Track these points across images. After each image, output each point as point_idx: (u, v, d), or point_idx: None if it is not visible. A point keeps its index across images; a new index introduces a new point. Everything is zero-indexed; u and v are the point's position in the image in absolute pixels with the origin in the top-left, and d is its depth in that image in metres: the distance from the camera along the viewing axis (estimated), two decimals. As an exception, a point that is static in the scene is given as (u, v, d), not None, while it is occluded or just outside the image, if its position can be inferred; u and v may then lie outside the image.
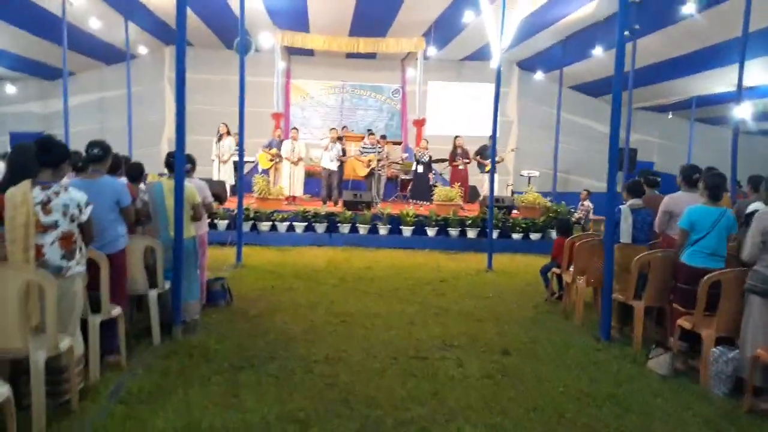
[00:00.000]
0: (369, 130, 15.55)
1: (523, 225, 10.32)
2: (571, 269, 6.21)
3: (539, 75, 16.61)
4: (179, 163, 4.69)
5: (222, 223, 9.90)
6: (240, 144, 8.14)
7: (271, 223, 10.05)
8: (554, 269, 6.65)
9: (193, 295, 5.02)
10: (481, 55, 16.62)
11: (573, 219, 10.53)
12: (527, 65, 17.19)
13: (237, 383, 3.84)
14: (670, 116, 18.16)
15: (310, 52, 16.76)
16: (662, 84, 15.80)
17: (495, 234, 10.30)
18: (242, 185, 8.15)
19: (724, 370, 3.64)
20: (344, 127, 15.93)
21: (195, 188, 5.01)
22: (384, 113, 17.49)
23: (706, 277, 3.86)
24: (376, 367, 4.21)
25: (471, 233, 10.34)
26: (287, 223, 10.10)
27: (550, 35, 14.60)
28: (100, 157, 4.11)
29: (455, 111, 17.54)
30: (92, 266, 3.78)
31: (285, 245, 9.87)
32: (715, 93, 14.51)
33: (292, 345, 4.69)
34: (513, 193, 13.92)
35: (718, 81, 13.45)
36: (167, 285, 4.77)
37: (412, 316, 5.68)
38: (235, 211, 9.82)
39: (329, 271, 7.88)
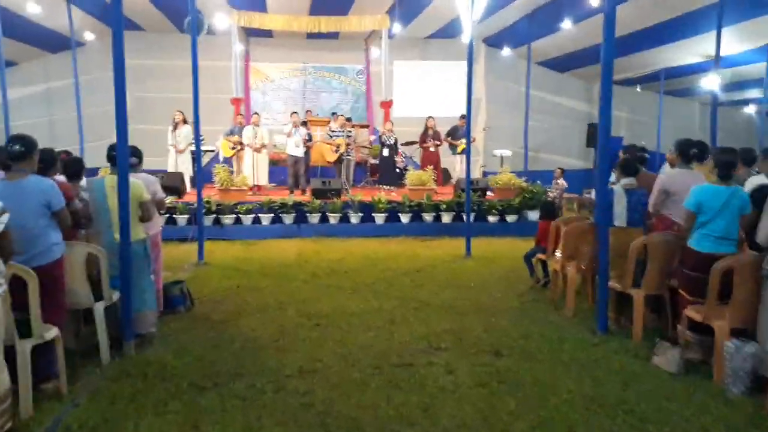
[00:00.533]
0: (334, 113, 14.95)
1: (499, 207, 9.96)
2: (558, 255, 5.85)
3: (506, 51, 16.21)
4: (121, 156, 4.11)
5: (182, 218, 9.25)
6: (196, 132, 7.52)
7: (234, 216, 9.45)
8: (539, 255, 6.28)
9: (148, 304, 4.46)
10: (447, 32, 16.12)
11: (549, 198, 10.22)
12: (494, 41, 16.75)
13: (198, 408, 3.33)
14: (638, 89, 18.00)
15: (269, 34, 15.99)
16: (630, 57, 15.53)
17: (471, 218, 9.92)
18: (201, 176, 7.54)
19: (741, 367, 3.29)
20: (308, 110, 15.31)
21: (142, 184, 4.43)
22: (349, 95, 16.89)
23: (717, 264, 3.50)
24: (357, 378, 3.75)
25: (446, 218, 9.93)
26: (252, 216, 9.52)
27: (517, 10, 14.18)
28: (22, 155, 3.51)
29: (422, 91, 17.02)
30: (20, 283, 3.21)
31: (251, 239, 9.30)
32: (685, 64, 14.34)
33: (261, 356, 4.19)
34: (485, 174, 13.57)
35: (688, 51, 13.25)
36: (115, 296, 4.21)
37: (392, 313, 5.23)
38: (195, 205, 9.21)
39: (299, 266, 7.37)
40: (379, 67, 15.94)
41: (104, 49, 16.10)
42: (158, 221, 5.29)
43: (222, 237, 9.28)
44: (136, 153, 4.95)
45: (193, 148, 11.76)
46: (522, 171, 13.79)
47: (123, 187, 4.06)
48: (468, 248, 8.02)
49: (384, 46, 14.36)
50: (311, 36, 16.18)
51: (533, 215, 10.16)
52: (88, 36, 14.78)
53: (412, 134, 13.11)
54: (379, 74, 15.84)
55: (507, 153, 12.73)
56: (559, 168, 12.76)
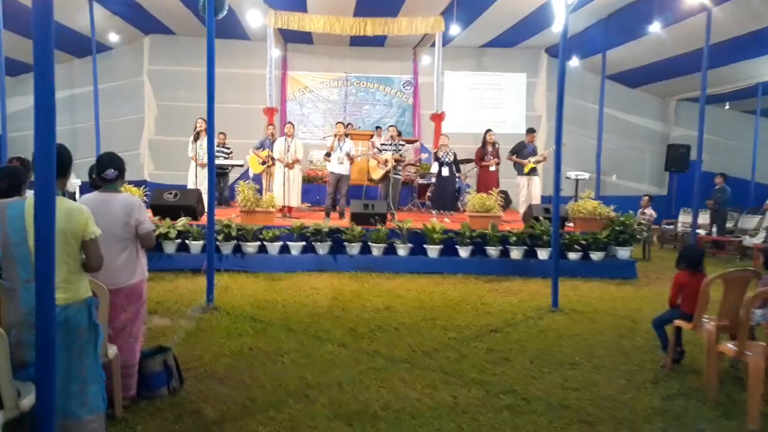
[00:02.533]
0: (378, 126, 13.35)
1: (582, 242, 8.04)
2: (710, 324, 3.97)
3: (575, 62, 14.33)
4: (39, 172, 2.40)
5: (196, 245, 7.65)
6: (209, 140, 5.91)
7: (258, 243, 7.80)
8: (678, 321, 4.37)
9: (90, 405, 2.74)
10: (505, 40, 14.41)
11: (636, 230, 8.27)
12: (558, 51, 14.88)
13: None
14: (727, 107, 15.84)
15: (308, 39, 14.57)
16: (718, 69, 13.45)
17: (545, 254, 8.05)
18: (212, 194, 5.90)
19: None
20: (348, 124, 13.71)
21: (85, 210, 2.73)
22: (394, 108, 15.25)
23: None
24: None
25: (515, 253, 8.07)
26: (279, 243, 7.85)
27: (588, 14, 12.36)
28: None
29: (475, 105, 15.32)
30: None
31: (277, 271, 7.62)
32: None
33: None
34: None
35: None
36: (27, 400, 2.52)
37: (475, 417, 3.41)
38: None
39: (334, 316, 5.62)
40: (428, 77, 14.33)
41: (130, 55, 15.00)
42: (142, 264, 3.65)
43: (243, 268, 7.64)
44: (115, 163, 3.37)
45: (219, 161, 10.31)
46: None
47: (42, 216, 2.35)
48: (555, 298, 6.14)
49: (437, 52, 12.67)
50: (354, 43, 14.70)
51: (624, 253, 8.22)
52: (113, 38, 13.56)
53: (463, 152, 11.36)
54: (428, 86, 14.23)
55: (584, 176, 10.81)
56: (646, 195, 10.79)
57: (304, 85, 15.14)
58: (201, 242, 7.68)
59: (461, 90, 15.22)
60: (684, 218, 13.74)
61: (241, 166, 11.19)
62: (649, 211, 10.35)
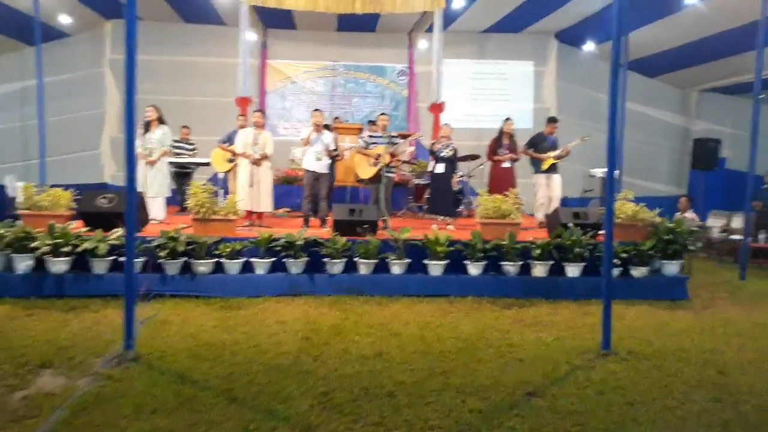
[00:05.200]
0: (370, 120, 11.71)
1: (622, 255, 6.41)
2: None
3: (590, 46, 12.72)
4: None
5: (134, 263, 5.95)
6: (127, 128, 4.23)
7: (214, 260, 6.13)
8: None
9: None
10: (509, 24, 12.80)
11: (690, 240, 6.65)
12: (569, 37, 13.33)
13: None
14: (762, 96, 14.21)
15: (291, 24, 12.93)
16: (740, 56, 11.83)
17: (576, 270, 6.43)
18: (132, 197, 4.20)
19: None
20: (336, 118, 12.09)
21: None
22: (386, 101, 13.61)
23: None
24: None
25: (539, 270, 6.44)
26: (241, 261, 6.18)
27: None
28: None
29: (476, 97, 13.71)
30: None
31: (237, 296, 5.95)
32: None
33: None
34: (585, 201, 10.00)
35: None
36: None
37: None
38: (156, 241, 5.95)
39: (302, 371, 3.95)
40: (426, 66, 12.72)
41: (89, 42, 13.19)
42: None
43: (192, 292, 5.96)
44: None
45: (172, 158, 8.65)
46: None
47: None
48: (607, 337, 4.49)
49: (436, 36, 11.04)
50: (342, 28, 13.08)
51: (672, 268, 6.60)
52: (65, 20, 11.85)
53: (462, 150, 9.72)
54: (425, 75, 12.63)
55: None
56: (684, 197, 9.20)
57: (286, 75, 13.49)
58: (141, 259, 6.01)
59: (461, 80, 13.60)
60: (714, 221, 12.16)
61: (208, 164, 9.52)
62: (690, 214, 8.77)
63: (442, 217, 8.17)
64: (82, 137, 12.71)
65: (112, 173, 12.96)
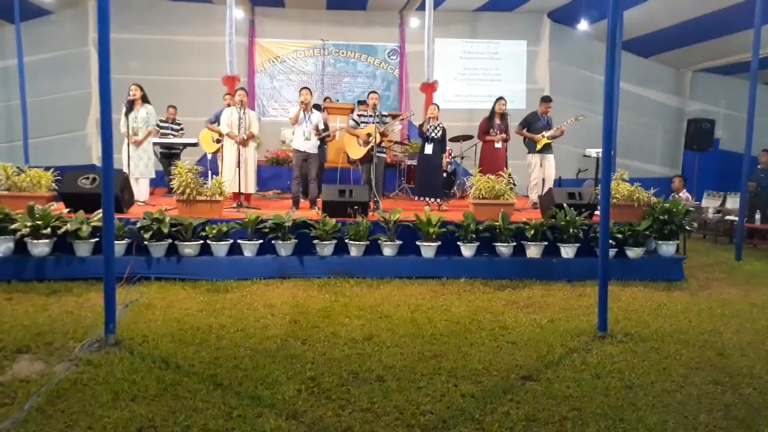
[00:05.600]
0: (360, 101, 11.50)
1: (618, 235, 6.31)
2: None
3: (583, 26, 12.50)
4: None
5: (119, 245, 5.78)
6: (102, 108, 4.03)
7: (200, 242, 5.96)
8: None
9: None
10: (501, 2, 12.57)
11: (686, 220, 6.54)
12: (562, 16, 13.10)
13: None
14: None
15: (279, 2, 12.64)
16: (741, 33, 11.68)
17: (570, 251, 6.32)
18: (109, 176, 4.01)
19: None
20: (326, 98, 11.87)
21: None
22: (378, 81, 13.35)
23: None
24: None
25: (533, 251, 6.32)
26: (228, 242, 6.02)
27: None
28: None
29: (468, 77, 13.50)
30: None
31: (224, 279, 5.80)
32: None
33: None
34: (580, 182, 9.87)
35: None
36: None
37: None
38: (140, 223, 5.78)
39: (290, 355, 3.82)
40: (417, 45, 12.47)
41: (73, 20, 12.89)
42: None
43: (179, 275, 5.81)
44: None
45: (158, 138, 8.44)
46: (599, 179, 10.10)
47: None
48: (603, 318, 4.38)
49: (428, 13, 10.79)
50: (332, 6, 12.80)
51: (668, 248, 6.51)
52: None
53: (453, 131, 9.53)
54: (417, 55, 12.39)
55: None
56: (678, 176, 9.09)
57: (275, 54, 13.19)
58: (125, 241, 5.83)
59: (453, 60, 13.37)
60: (708, 202, 12.10)
61: (195, 145, 9.30)
62: (684, 194, 8.66)
63: (434, 199, 8.01)
64: (69, 118, 12.40)
65: (99, 155, 12.65)
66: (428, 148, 7.96)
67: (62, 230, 5.67)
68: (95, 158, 12.67)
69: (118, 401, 3.08)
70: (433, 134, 7.93)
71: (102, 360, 3.65)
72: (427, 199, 8.00)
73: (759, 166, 9.68)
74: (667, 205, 6.48)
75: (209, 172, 8.56)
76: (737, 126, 13.93)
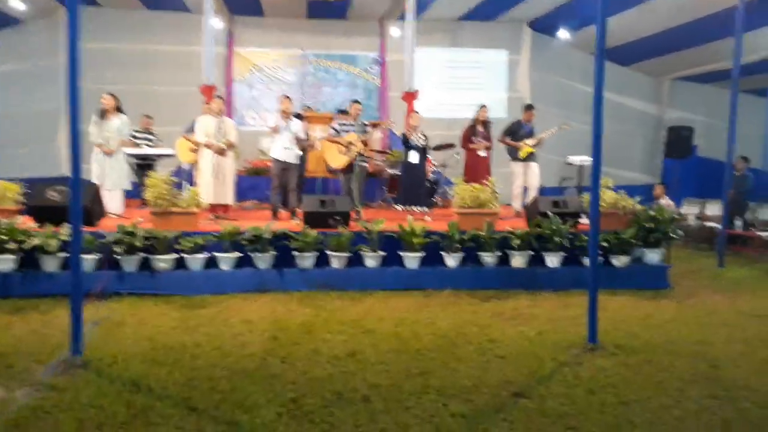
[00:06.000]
0: (341, 110, 11.35)
1: (603, 243, 6.22)
2: None
3: (564, 34, 12.53)
4: None
5: (88, 260, 5.53)
6: (72, 117, 3.82)
7: (175, 256, 5.73)
8: None
9: None
10: (483, 12, 12.56)
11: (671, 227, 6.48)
12: (543, 25, 13.15)
13: None
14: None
15: (258, 11, 12.50)
16: (721, 41, 11.78)
17: (555, 260, 6.22)
18: (77, 187, 3.79)
19: None
20: (306, 107, 11.69)
21: None
22: (358, 90, 13.25)
23: None
24: None
25: (518, 260, 6.21)
26: (204, 256, 5.79)
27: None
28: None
29: (450, 86, 13.45)
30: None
31: (200, 294, 5.58)
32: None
33: None
34: (562, 190, 9.82)
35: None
36: None
37: None
38: (112, 236, 5.55)
39: (269, 374, 3.62)
40: (398, 54, 12.40)
41: (44, 30, 12.47)
42: None
43: (152, 290, 5.57)
44: None
45: (134, 150, 8.20)
46: (585, 188, 10.06)
47: None
48: (593, 329, 4.26)
49: (409, 23, 10.74)
50: (313, 14, 12.68)
51: (653, 256, 6.45)
52: (17, 5, 11.17)
53: (435, 140, 9.42)
54: (398, 64, 12.32)
55: (590, 161, 8.99)
56: (659, 184, 9.11)
57: (254, 63, 13.02)
58: (95, 256, 5.58)
59: (434, 69, 13.31)
60: (688, 209, 12.15)
61: (172, 156, 9.06)
62: (666, 201, 8.66)
63: (419, 208, 7.87)
64: (38, 130, 12.07)
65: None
66: (413, 157, 7.84)
67: (29, 245, 5.41)
68: (66, 169, 12.34)
69: (83, 430, 2.85)
70: (417, 143, 7.81)
71: (67, 384, 3.41)
72: (413, 208, 7.87)
73: (736, 173, 9.72)
74: (652, 212, 6.41)
75: (184, 183, 8.34)
76: (715, 133, 14.09)
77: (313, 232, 5.99)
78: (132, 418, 2.98)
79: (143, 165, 9.11)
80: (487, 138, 8.09)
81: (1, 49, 11.26)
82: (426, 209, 7.94)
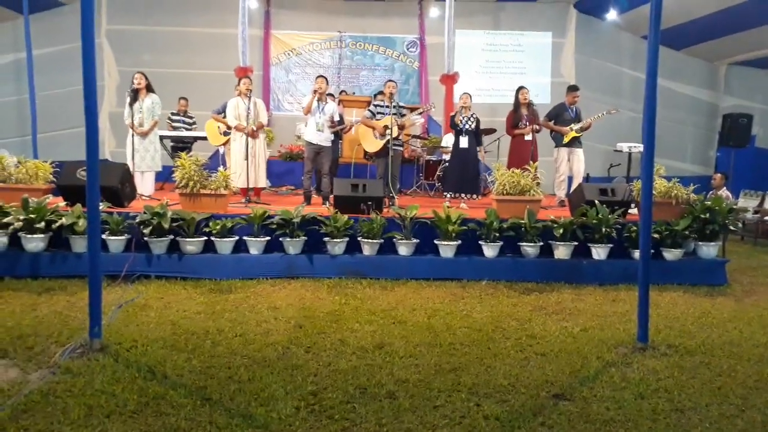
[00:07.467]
0: (377, 93, 11.06)
1: (655, 235, 5.79)
2: None
3: (611, 16, 11.90)
4: None
5: (117, 241, 5.45)
6: (87, 100, 3.68)
7: (204, 238, 5.59)
8: None
9: None
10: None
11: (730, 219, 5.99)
12: (589, 6, 12.52)
13: None
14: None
15: (295, -8, 12.28)
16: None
17: (602, 252, 5.83)
18: (95, 165, 3.66)
19: None
20: (342, 91, 11.47)
21: None
22: (396, 73, 12.89)
23: None
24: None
25: (561, 251, 5.84)
26: (233, 239, 5.64)
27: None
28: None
29: (490, 70, 12.98)
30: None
31: (229, 278, 5.42)
32: None
33: None
34: (609, 178, 9.33)
35: None
36: None
37: None
38: (140, 216, 5.44)
39: (291, 365, 3.41)
40: (437, 37, 12.01)
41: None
42: None
43: (180, 273, 5.44)
44: None
45: (170, 132, 8.13)
46: (633, 178, 9.49)
47: None
48: (644, 327, 3.89)
49: (448, 3, 10.35)
50: (350, -5, 12.41)
51: (709, 250, 5.97)
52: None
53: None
54: (437, 47, 11.93)
55: (639, 148, 8.50)
56: (719, 174, 8.51)
57: (291, 47, 12.82)
58: (124, 237, 5.49)
59: (474, 52, 12.85)
60: (746, 202, 11.43)
61: (205, 138, 8.96)
62: (725, 192, 8.08)
63: (469, 196, 7.58)
64: (79, 112, 12.16)
65: (111, 149, 12.46)
66: (463, 141, 7.60)
67: (57, 224, 5.35)
68: (107, 152, 12.46)
69: (91, 418, 2.69)
70: (467, 126, 7.52)
71: (82, 368, 3.28)
72: (464, 196, 7.58)
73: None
74: (709, 202, 5.94)
75: (220, 168, 8.25)
76: (773, 121, 13.28)
77: (344, 217, 5.76)
78: (143, 407, 2.81)
79: (179, 148, 9.06)
80: (534, 120, 7.67)
81: (42, 32, 11.33)
82: (473, 197, 7.64)
